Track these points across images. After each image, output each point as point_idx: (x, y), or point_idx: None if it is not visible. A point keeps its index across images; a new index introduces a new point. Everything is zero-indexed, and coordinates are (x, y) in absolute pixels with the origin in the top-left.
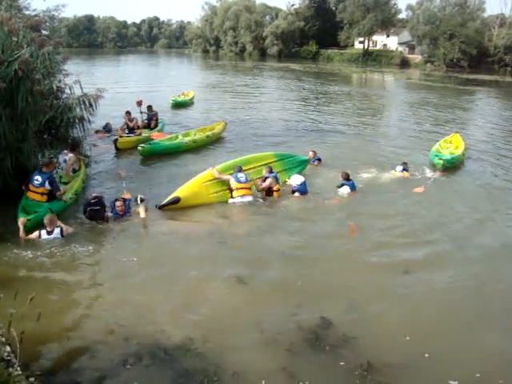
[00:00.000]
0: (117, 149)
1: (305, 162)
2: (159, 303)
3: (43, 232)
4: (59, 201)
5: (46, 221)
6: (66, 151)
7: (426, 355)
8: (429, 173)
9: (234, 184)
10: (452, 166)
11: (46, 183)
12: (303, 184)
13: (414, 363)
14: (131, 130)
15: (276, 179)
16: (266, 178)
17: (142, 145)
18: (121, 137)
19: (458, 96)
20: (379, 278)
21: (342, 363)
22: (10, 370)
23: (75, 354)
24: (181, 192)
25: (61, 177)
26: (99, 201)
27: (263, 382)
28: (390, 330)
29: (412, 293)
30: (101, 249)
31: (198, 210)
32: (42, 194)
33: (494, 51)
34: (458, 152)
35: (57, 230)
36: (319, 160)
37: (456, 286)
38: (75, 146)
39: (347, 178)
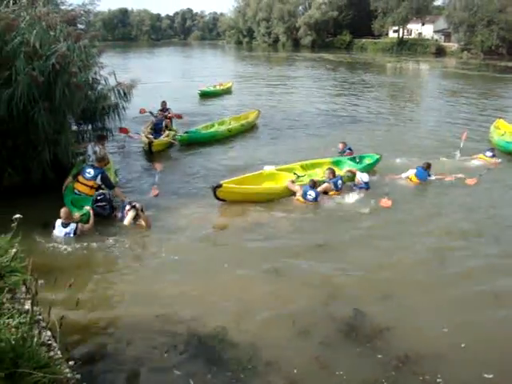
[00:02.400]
0: (151, 152)
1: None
2: (193, 294)
3: (58, 222)
4: None
5: (62, 212)
6: (92, 144)
7: (463, 345)
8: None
9: (300, 198)
10: None
11: (98, 178)
12: (368, 182)
13: (450, 354)
14: (158, 131)
15: (335, 185)
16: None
17: (180, 133)
18: (147, 138)
19: (497, 84)
20: (415, 270)
21: (376, 354)
22: (51, 353)
23: (111, 340)
24: (227, 182)
25: None
26: (104, 197)
27: (295, 370)
28: (427, 321)
29: (449, 284)
30: (132, 245)
31: (239, 205)
32: (92, 187)
33: None
34: None
35: (72, 226)
36: (350, 150)
37: (496, 277)
38: (103, 138)
39: (426, 167)
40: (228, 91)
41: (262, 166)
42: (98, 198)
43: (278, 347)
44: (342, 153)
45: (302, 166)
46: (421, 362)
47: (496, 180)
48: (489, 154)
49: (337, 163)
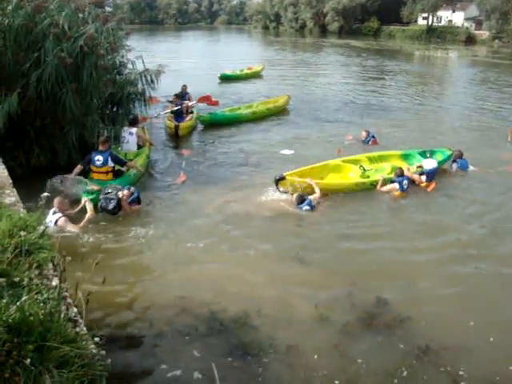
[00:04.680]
0: (177, 136)
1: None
2: (215, 278)
3: (51, 211)
4: (124, 175)
5: (54, 201)
6: (126, 128)
7: (491, 339)
8: None
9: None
10: None
11: (109, 160)
12: (434, 170)
13: (475, 348)
14: (180, 114)
15: (400, 185)
16: (392, 181)
17: (202, 114)
18: (172, 121)
19: None
20: (442, 263)
21: (397, 343)
22: (78, 329)
23: (135, 319)
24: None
25: (125, 154)
26: (114, 193)
27: (315, 356)
28: (451, 313)
29: (476, 278)
30: (155, 230)
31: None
32: (107, 172)
33: None
34: None
35: (56, 215)
36: (374, 138)
37: None
38: (135, 121)
39: (460, 156)
40: (255, 75)
41: (284, 149)
42: (109, 190)
43: (299, 333)
44: (365, 141)
45: (369, 158)
46: (443, 353)
47: None
48: None
49: (406, 157)
